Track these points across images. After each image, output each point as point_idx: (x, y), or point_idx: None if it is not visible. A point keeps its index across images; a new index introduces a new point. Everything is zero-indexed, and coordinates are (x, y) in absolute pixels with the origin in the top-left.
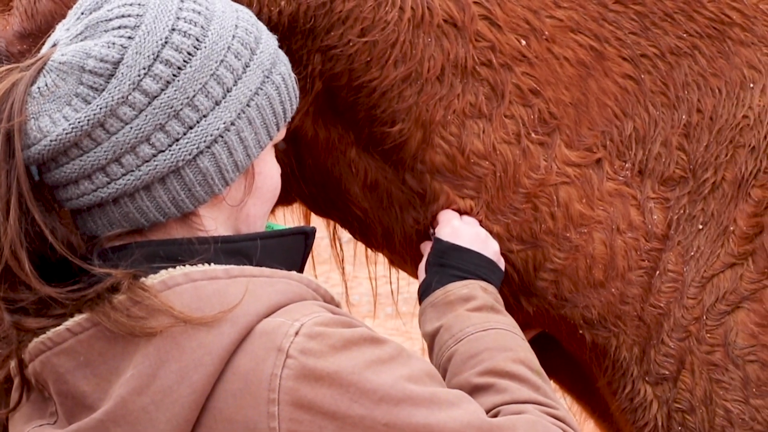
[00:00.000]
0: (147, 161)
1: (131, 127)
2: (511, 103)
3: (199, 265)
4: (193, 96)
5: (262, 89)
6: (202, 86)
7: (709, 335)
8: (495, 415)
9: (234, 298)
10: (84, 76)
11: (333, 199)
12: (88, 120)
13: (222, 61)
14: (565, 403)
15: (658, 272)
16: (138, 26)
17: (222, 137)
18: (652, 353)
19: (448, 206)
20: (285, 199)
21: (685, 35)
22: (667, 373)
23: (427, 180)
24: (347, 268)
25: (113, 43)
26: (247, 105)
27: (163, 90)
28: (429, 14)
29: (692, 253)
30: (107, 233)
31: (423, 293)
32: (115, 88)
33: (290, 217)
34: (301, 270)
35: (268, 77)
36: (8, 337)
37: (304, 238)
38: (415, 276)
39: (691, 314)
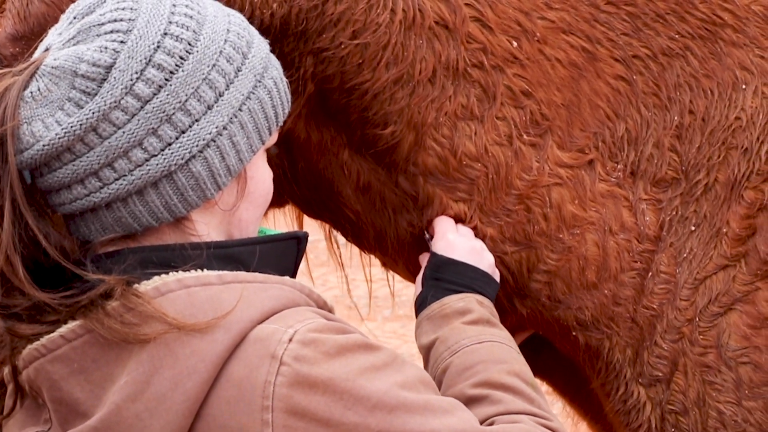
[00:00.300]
0: (140, 166)
1: (124, 132)
2: (503, 104)
3: (192, 271)
4: (186, 100)
5: (254, 93)
6: (195, 90)
7: (701, 337)
8: (489, 425)
9: (227, 305)
10: (77, 80)
11: (325, 202)
12: (81, 124)
13: (214, 65)
14: (559, 419)
15: (650, 274)
16: (130, 30)
17: (214, 141)
18: (645, 355)
19: (442, 212)
20: (277, 201)
21: (677, 36)
22: (660, 374)
23: (420, 182)
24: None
25: (105, 48)
26: (239, 109)
27: (155, 94)
28: (420, 16)
29: (685, 255)
30: (100, 238)
31: (419, 306)
32: (108, 92)
33: (283, 220)
34: (293, 275)
35: (260, 81)
36: (2, 343)
37: (296, 243)
38: (408, 278)
39: (684, 316)
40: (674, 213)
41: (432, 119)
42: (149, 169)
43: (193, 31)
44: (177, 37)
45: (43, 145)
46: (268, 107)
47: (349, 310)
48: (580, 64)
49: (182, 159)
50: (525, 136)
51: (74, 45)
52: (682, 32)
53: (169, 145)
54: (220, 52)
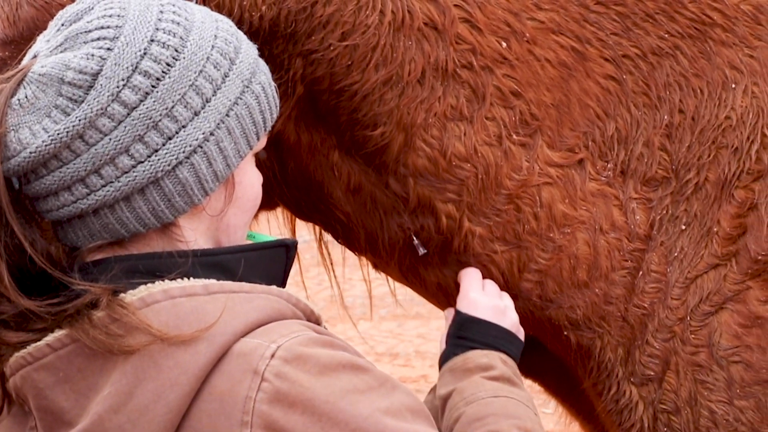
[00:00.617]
0: (126, 172)
1: (110, 139)
2: (492, 105)
3: (179, 280)
4: (172, 107)
5: (241, 99)
6: (181, 97)
7: (693, 336)
8: None
9: (212, 316)
10: (63, 87)
11: (316, 203)
12: (68, 132)
13: (201, 71)
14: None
15: (641, 273)
16: (117, 37)
17: (201, 147)
18: (637, 354)
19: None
20: (268, 203)
21: (666, 36)
22: (652, 374)
23: (410, 184)
24: (342, 270)
25: (92, 55)
26: (227, 115)
27: (141, 101)
28: (409, 17)
29: (676, 254)
30: (88, 245)
31: (442, 363)
32: (94, 99)
33: (274, 222)
34: (283, 283)
35: (247, 87)
36: None
37: (285, 250)
38: (399, 280)
39: (675, 315)
40: (665, 212)
41: (421, 120)
42: (136, 176)
43: (180, 38)
44: (163, 43)
45: (30, 153)
46: (255, 112)
47: (344, 310)
48: (570, 64)
49: (169, 165)
50: (515, 136)
51: (61, 52)
52: (672, 32)
53: (156, 151)
54: (207, 58)
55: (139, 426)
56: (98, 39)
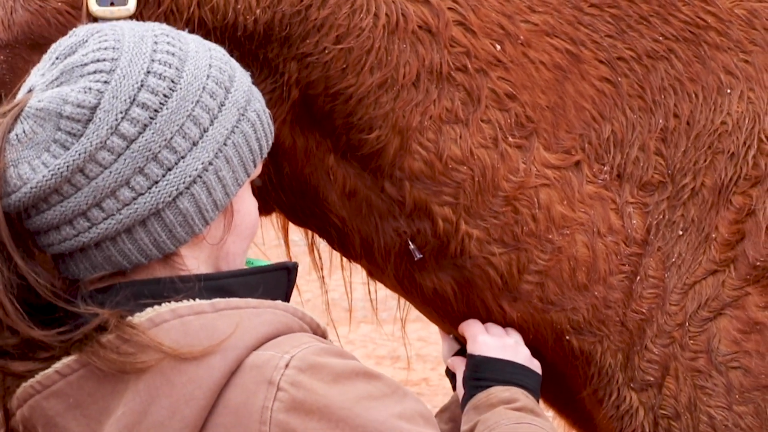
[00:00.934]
0: (127, 204)
1: (111, 172)
2: (488, 107)
3: (185, 301)
4: (171, 138)
5: (237, 127)
6: (179, 128)
7: (692, 342)
8: None
9: (221, 332)
10: (62, 122)
11: (311, 208)
12: (68, 166)
13: (198, 101)
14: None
15: (638, 277)
16: (113, 70)
17: (201, 177)
18: (636, 359)
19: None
20: (263, 208)
21: (661, 38)
22: (651, 379)
23: (406, 187)
24: (342, 273)
25: (89, 89)
26: (224, 144)
27: (140, 133)
28: (403, 20)
29: (673, 260)
30: (89, 277)
31: (464, 406)
32: (93, 133)
33: (269, 226)
34: None
35: (243, 115)
36: None
37: (286, 273)
38: (394, 289)
39: (674, 320)
40: (661, 217)
41: (417, 123)
42: (137, 208)
43: (176, 68)
44: (160, 75)
45: (31, 188)
46: (252, 140)
47: (345, 313)
48: (565, 67)
49: (170, 196)
50: (510, 139)
51: (58, 86)
52: (666, 34)
53: (156, 183)
54: (203, 87)
55: None
56: (95, 72)
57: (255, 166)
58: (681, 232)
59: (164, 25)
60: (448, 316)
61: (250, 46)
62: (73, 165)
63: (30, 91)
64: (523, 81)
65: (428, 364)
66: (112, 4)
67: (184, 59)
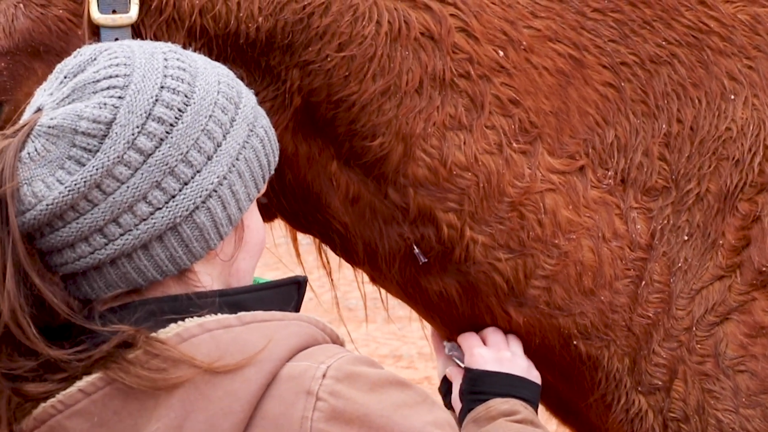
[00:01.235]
0: (145, 220)
1: (128, 187)
2: (491, 113)
3: (209, 316)
4: (187, 152)
5: (248, 142)
6: (195, 142)
7: (699, 346)
8: None
9: (252, 345)
10: (77, 138)
11: (314, 214)
12: (85, 182)
13: (210, 116)
14: None
15: (644, 282)
16: (127, 86)
17: (216, 191)
18: (643, 363)
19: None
20: (266, 215)
21: (664, 43)
22: (659, 383)
23: (410, 194)
24: (344, 272)
25: (104, 104)
26: (237, 158)
27: (157, 147)
28: (406, 28)
29: (679, 264)
30: (104, 296)
31: (462, 420)
32: (110, 148)
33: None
34: None
35: (252, 131)
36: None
37: (297, 288)
38: (397, 294)
39: (681, 324)
40: (666, 222)
41: (420, 130)
42: (155, 223)
43: (188, 84)
44: (174, 89)
45: (47, 205)
46: (261, 155)
47: (350, 312)
48: (568, 72)
49: (187, 210)
50: (515, 144)
51: (70, 103)
52: (669, 39)
53: (173, 197)
54: (215, 102)
55: None
56: (108, 88)
57: (264, 182)
58: (686, 238)
59: (170, 44)
60: (453, 321)
61: (252, 54)
62: (90, 180)
63: (39, 110)
64: (527, 87)
65: (430, 362)
66: (113, 11)
67: (195, 75)
